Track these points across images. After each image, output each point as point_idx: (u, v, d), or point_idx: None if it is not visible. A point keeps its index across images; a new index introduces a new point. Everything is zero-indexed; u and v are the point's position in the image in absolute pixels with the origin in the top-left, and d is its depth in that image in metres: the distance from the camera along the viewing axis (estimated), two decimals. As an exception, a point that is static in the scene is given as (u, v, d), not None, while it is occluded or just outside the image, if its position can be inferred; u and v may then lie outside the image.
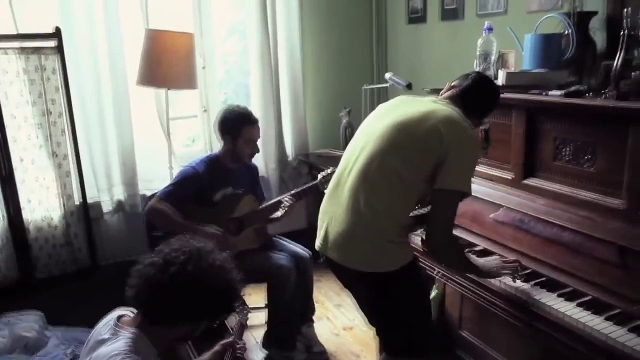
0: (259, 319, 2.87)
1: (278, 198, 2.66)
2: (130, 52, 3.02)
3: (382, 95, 3.56)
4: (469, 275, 1.85)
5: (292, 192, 2.66)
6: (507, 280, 1.73)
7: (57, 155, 2.85)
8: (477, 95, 1.80)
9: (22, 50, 2.70)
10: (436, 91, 1.97)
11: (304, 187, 2.68)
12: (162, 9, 3.22)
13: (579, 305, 1.56)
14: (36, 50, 2.72)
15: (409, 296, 1.79)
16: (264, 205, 2.63)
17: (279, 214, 2.60)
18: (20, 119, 2.76)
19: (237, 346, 1.76)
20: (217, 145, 3.25)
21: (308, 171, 3.61)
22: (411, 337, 1.81)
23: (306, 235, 2.78)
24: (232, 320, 1.97)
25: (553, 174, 1.89)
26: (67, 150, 2.86)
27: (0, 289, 2.80)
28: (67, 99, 2.80)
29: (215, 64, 3.35)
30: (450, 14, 3.13)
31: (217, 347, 1.73)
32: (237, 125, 2.53)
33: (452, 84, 1.86)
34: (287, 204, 2.59)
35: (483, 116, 1.88)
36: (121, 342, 1.42)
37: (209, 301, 1.47)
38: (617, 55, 1.70)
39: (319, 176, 2.62)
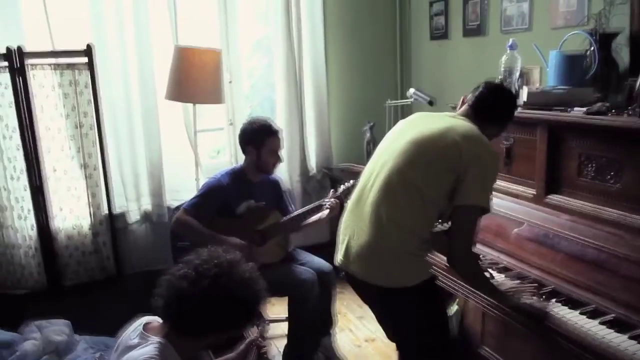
0: (281, 329, 2.89)
1: (302, 209, 2.69)
2: (159, 67, 3.11)
3: (406, 111, 3.58)
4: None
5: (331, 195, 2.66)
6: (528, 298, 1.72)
7: (87, 166, 2.94)
8: (489, 103, 1.81)
9: (57, 66, 2.82)
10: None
11: (342, 188, 2.65)
12: (191, 25, 3.31)
13: (602, 323, 1.55)
14: (70, 66, 2.83)
15: (428, 313, 1.79)
16: (286, 218, 2.66)
17: (324, 213, 2.60)
18: (54, 131, 2.87)
19: (261, 344, 1.77)
20: (242, 157, 3.33)
21: (331, 184, 3.63)
22: (430, 353, 1.81)
23: (328, 248, 2.80)
24: (252, 332, 1.99)
25: (577, 191, 1.88)
26: (98, 161, 2.95)
27: (30, 296, 2.88)
28: (96, 112, 2.88)
29: (241, 79, 3.43)
30: (473, 31, 3.15)
31: (242, 346, 1.74)
32: (259, 136, 2.56)
33: (466, 98, 1.88)
34: (329, 204, 2.59)
35: (500, 125, 1.86)
36: (150, 347, 1.46)
37: (238, 313, 1.50)
38: (642, 72, 1.70)
39: (340, 189, 2.64)
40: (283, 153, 2.67)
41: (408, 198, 1.69)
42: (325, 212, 2.59)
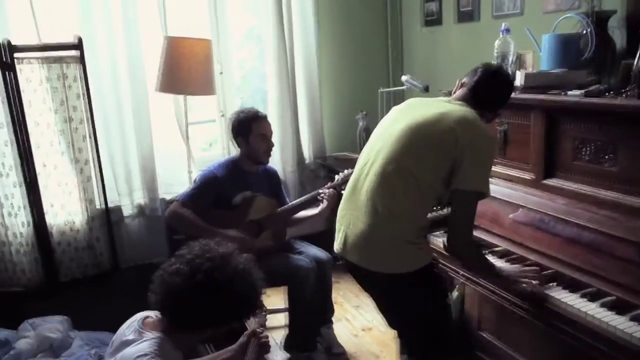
0: (278, 320, 2.89)
1: (299, 199, 2.67)
2: (149, 59, 3.07)
3: (399, 98, 3.55)
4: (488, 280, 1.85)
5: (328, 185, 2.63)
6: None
7: (78, 161, 2.90)
8: (488, 87, 1.80)
9: (45, 59, 2.76)
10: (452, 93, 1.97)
11: (339, 177, 2.63)
12: (180, 15, 3.27)
13: (602, 305, 1.55)
14: (58, 59, 2.77)
15: (428, 298, 1.79)
16: (283, 208, 2.65)
17: (323, 206, 2.57)
18: (44, 126, 2.82)
19: (261, 335, 1.76)
20: (235, 149, 3.30)
21: (326, 174, 3.62)
22: (431, 338, 1.81)
23: (325, 238, 2.79)
24: (251, 322, 1.98)
25: (573, 174, 1.88)
26: (89, 155, 2.91)
27: (26, 292, 2.85)
28: (89, 106, 2.85)
29: (232, 69, 3.40)
30: (466, 16, 3.13)
31: (241, 339, 1.74)
32: (246, 123, 2.57)
33: (462, 81, 1.86)
34: (325, 194, 2.57)
35: (498, 108, 1.86)
36: (146, 344, 1.45)
37: (235, 306, 1.49)
38: (638, 54, 1.69)
39: (337, 178, 2.62)
40: (276, 143, 2.65)
41: (404, 185, 1.68)
42: (324, 204, 2.57)
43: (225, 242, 1.62)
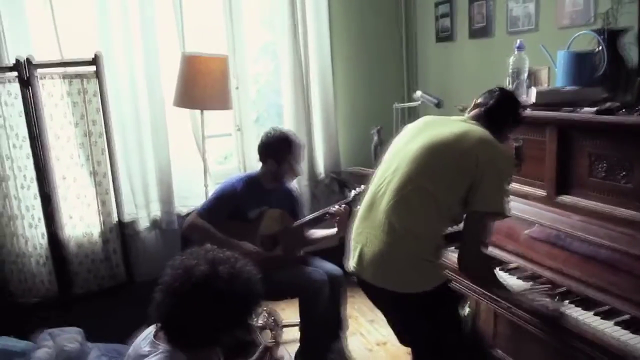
0: (293, 334, 2.89)
1: (313, 214, 2.68)
2: (166, 74, 3.12)
3: (413, 114, 3.58)
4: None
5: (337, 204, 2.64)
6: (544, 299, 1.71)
7: (97, 174, 2.95)
8: (503, 112, 1.82)
9: (66, 75, 2.83)
10: (467, 110, 1.98)
11: (352, 193, 2.63)
12: (197, 31, 3.33)
13: (617, 323, 1.54)
14: (78, 75, 2.84)
15: (443, 317, 1.78)
16: (297, 223, 2.66)
17: (334, 230, 2.58)
18: (64, 140, 2.88)
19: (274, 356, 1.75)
20: (250, 163, 3.33)
21: (339, 189, 3.63)
22: (443, 356, 1.80)
23: (338, 253, 2.80)
24: (266, 335, 1.97)
25: (588, 191, 1.87)
26: (107, 168, 2.95)
27: (42, 303, 2.89)
28: (106, 120, 2.89)
29: (247, 84, 3.43)
30: (480, 32, 3.14)
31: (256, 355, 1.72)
32: (283, 151, 2.55)
33: (477, 101, 1.87)
34: (334, 211, 2.57)
35: (510, 132, 1.89)
36: (160, 356, 1.46)
37: (231, 308, 1.47)
38: (652, 71, 1.69)
39: (352, 193, 2.63)
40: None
41: (421, 204, 1.69)
42: (338, 222, 2.57)
43: (239, 253, 1.62)
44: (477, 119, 1.81)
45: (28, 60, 2.69)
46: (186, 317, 1.46)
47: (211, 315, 1.47)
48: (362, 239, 1.81)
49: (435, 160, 1.70)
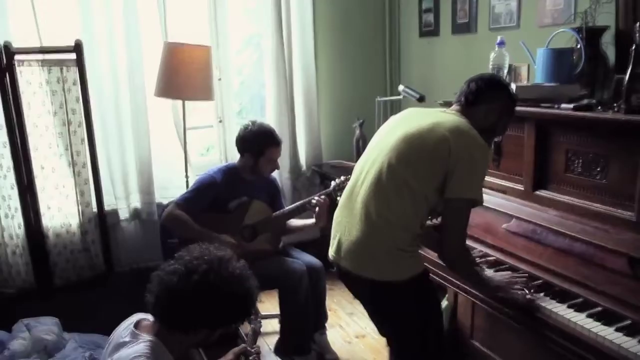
0: (272, 326, 2.90)
1: (293, 205, 2.68)
2: (148, 63, 3.09)
3: (395, 107, 3.60)
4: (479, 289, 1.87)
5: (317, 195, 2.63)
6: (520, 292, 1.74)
7: (76, 164, 2.91)
8: (474, 90, 1.80)
9: (45, 62, 2.78)
10: (449, 104, 2.00)
11: (333, 184, 2.61)
12: (180, 21, 3.30)
13: (589, 315, 1.57)
14: (58, 62, 2.79)
15: (420, 307, 1.80)
16: (277, 213, 2.66)
17: (317, 214, 2.56)
18: (42, 128, 2.84)
19: (250, 356, 1.77)
20: (232, 155, 3.32)
21: (321, 181, 3.65)
22: (422, 347, 1.82)
23: (318, 245, 2.82)
24: (245, 327, 1.99)
25: (565, 186, 1.91)
26: (86, 159, 2.92)
27: (19, 295, 2.86)
28: (86, 109, 2.86)
29: (230, 76, 3.42)
30: (463, 28, 3.17)
31: (229, 357, 1.74)
32: (260, 145, 2.55)
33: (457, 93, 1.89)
34: (315, 202, 2.55)
35: (506, 115, 1.84)
36: (141, 345, 1.47)
37: (228, 309, 1.51)
38: (628, 69, 1.73)
39: (332, 184, 2.64)
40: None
41: (398, 194, 1.70)
42: (318, 212, 2.57)
43: (221, 245, 1.64)
44: (460, 109, 1.82)
45: (6, 47, 2.64)
46: (186, 315, 1.47)
47: (211, 315, 1.49)
48: (341, 228, 1.83)
49: (411, 150, 1.72)
